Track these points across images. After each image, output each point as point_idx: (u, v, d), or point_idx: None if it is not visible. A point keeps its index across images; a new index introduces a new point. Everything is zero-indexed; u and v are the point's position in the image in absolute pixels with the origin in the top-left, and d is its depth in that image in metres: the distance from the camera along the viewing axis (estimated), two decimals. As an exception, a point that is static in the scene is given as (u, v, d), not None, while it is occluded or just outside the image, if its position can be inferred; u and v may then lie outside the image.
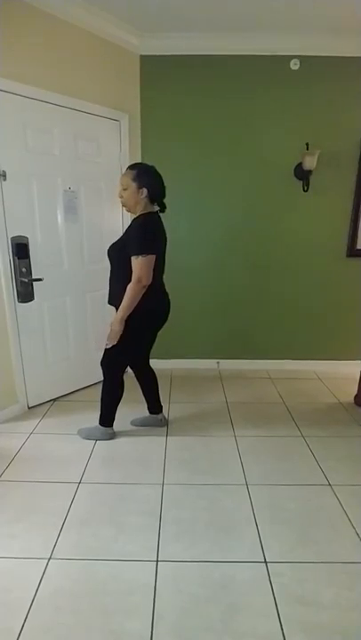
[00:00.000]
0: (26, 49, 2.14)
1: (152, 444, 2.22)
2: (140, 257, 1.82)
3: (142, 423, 2.39)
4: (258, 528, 1.62)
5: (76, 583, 1.37)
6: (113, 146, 2.71)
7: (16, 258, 2.29)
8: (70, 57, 2.35)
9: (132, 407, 2.39)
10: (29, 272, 2.37)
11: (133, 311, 1.90)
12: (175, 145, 2.87)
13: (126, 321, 1.92)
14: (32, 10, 2.12)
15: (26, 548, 1.51)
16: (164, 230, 1.99)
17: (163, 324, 2.13)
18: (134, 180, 1.89)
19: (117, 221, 2.84)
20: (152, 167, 1.95)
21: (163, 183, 1.94)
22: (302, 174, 2.88)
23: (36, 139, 2.29)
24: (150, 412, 2.39)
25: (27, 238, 2.34)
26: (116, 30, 2.50)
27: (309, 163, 2.77)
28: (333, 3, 2.23)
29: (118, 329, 1.92)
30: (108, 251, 2.01)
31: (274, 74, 2.76)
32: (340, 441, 2.27)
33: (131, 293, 1.86)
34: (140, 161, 2.86)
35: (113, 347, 1.99)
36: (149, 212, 1.93)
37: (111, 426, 2.24)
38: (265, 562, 1.46)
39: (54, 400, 2.72)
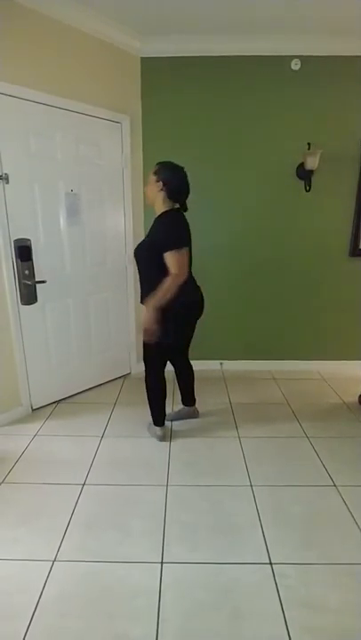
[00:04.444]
0: (27, 53, 2.15)
1: (156, 445, 2.21)
2: (175, 251, 1.87)
3: (177, 417, 2.47)
4: (263, 530, 1.61)
5: (81, 586, 1.37)
6: (114, 148, 2.72)
7: (19, 260, 2.30)
8: (71, 60, 2.36)
9: (132, 410, 2.39)
10: (32, 274, 2.37)
11: (171, 306, 1.94)
12: (176, 146, 2.86)
13: (166, 316, 1.96)
14: (33, 14, 2.13)
15: (30, 550, 1.51)
16: (188, 226, 2.02)
17: (199, 317, 2.17)
18: (155, 173, 1.97)
19: (120, 223, 2.84)
20: (178, 166, 1.98)
21: (186, 182, 1.97)
22: (304, 174, 2.87)
23: (37, 141, 2.29)
24: (184, 405, 2.47)
25: (29, 241, 2.34)
26: (117, 33, 2.50)
27: (311, 163, 2.76)
28: (334, 3, 2.22)
29: (151, 316, 1.93)
30: (135, 252, 2.06)
31: (275, 74, 2.75)
32: (344, 441, 2.26)
33: (167, 285, 1.89)
34: (141, 162, 2.87)
35: (156, 346, 2.04)
36: (171, 209, 1.97)
37: (161, 425, 2.25)
38: (270, 564, 1.45)
39: (58, 402, 2.73)
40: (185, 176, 1.97)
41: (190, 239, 2.03)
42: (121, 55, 2.62)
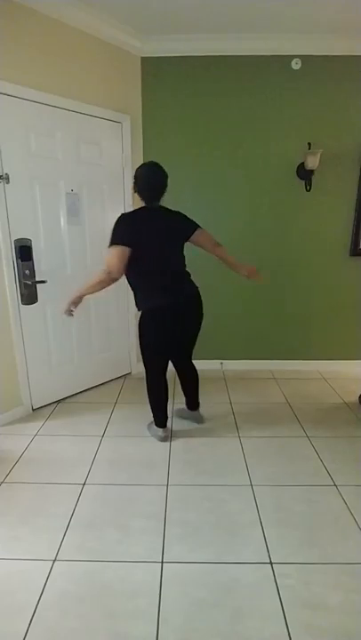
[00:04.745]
0: (28, 52, 2.15)
1: (156, 445, 2.21)
2: (110, 248, 1.88)
3: (179, 414, 2.49)
4: (263, 529, 1.61)
5: (81, 585, 1.37)
6: (115, 148, 2.72)
7: (19, 260, 2.30)
8: (72, 60, 2.36)
9: (133, 409, 2.39)
10: (33, 274, 2.38)
11: (143, 309, 2.03)
12: (177, 146, 2.87)
13: (144, 317, 2.03)
14: (34, 13, 2.13)
15: (31, 550, 1.51)
16: (160, 225, 1.97)
17: (180, 322, 2.08)
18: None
19: (120, 223, 2.85)
20: (147, 163, 2.01)
21: (148, 179, 1.94)
22: (305, 174, 2.87)
23: (38, 141, 2.29)
24: (188, 408, 2.45)
25: (30, 241, 2.35)
26: (118, 32, 2.50)
27: (312, 162, 2.76)
28: (334, 3, 2.22)
29: (72, 296, 1.99)
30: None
31: (275, 74, 2.75)
32: (345, 441, 2.26)
33: (94, 278, 1.92)
34: (141, 162, 2.86)
35: (144, 348, 2.08)
36: (140, 207, 2.00)
37: (162, 427, 2.24)
38: (270, 563, 1.45)
39: (58, 402, 2.73)
40: (150, 172, 1.94)
41: (163, 241, 1.97)
42: (121, 55, 2.62)
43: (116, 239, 1.88)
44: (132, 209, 2.84)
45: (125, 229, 1.90)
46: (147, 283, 1.99)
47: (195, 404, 2.43)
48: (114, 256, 1.86)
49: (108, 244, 1.90)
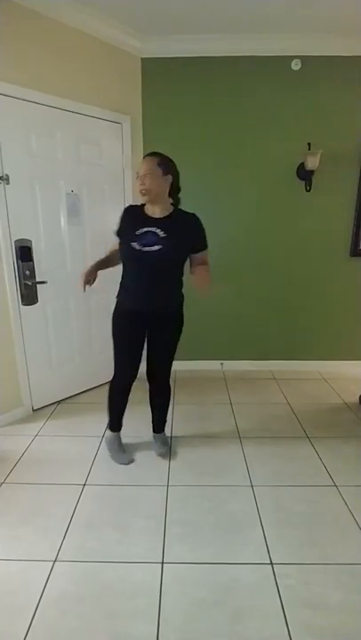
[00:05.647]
0: (28, 53, 2.15)
1: (156, 445, 2.21)
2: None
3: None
4: (263, 530, 1.61)
5: (82, 586, 1.37)
6: (115, 148, 2.72)
7: (20, 261, 2.30)
8: (72, 60, 2.36)
9: (133, 409, 2.37)
10: (33, 275, 2.38)
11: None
12: (176, 146, 2.83)
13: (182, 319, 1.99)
14: (33, 14, 2.13)
15: (31, 550, 1.51)
16: None
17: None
18: (160, 165, 1.75)
19: (120, 223, 2.85)
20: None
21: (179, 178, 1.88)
22: (305, 174, 2.87)
23: (38, 142, 2.30)
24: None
25: (30, 241, 2.35)
26: (118, 33, 2.51)
27: (312, 163, 2.76)
28: (334, 3, 2.22)
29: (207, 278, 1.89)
30: (170, 254, 1.78)
31: (275, 74, 2.76)
32: (345, 441, 2.26)
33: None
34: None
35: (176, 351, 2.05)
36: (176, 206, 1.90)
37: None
38: (271, 564, 1.45)
39: (59, 402, 2.73)
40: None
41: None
42: (121, 55, 2.62)
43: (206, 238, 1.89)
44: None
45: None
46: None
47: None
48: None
49: (206, 245, 1.93)
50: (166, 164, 1.80)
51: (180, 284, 1.93)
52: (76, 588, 1.36)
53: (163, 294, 1.88)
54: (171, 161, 1.84)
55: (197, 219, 1.88)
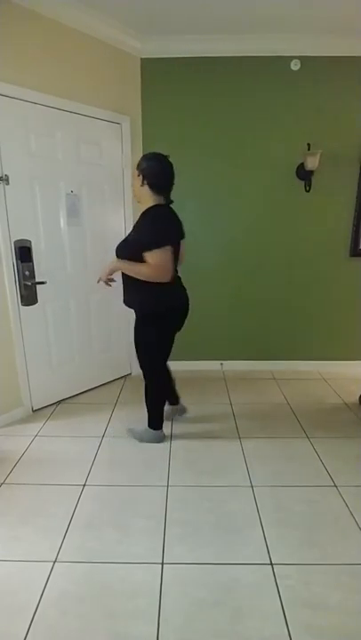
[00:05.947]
0: (27, 53, 2.15)
1: (156, 445, 2.21)
2: (156, 250, 1.75)
3: (168, 417, 2.40)
4: (263, 530, 1.61)
5: (82, 586, 1.37)
6: (115, 149, 2.72)
7: (19, 261, 2.30)
8: (72, 61, 2.36)
9: (133, 410, 2.39)
10: (33, 275, 2.38)
11: (157, 310, 1.91)
12: (176, 147, 2.85)
13: (150, 322, 1.94)
14: (33, 14, 2.13)
15: (31, 550, 1.51)
16: (179, 222, 1.94)
17: (184, 320, 2.08)
18: (137, 167, 1.85)
19: (120, 223, 2.85)
20: (158, 154, 1.85)
21: (166, 171, 1.84)
22: (304, 175, 2.87)
23: (38, 142, 2.30)
24: (170, 404, 2.42)
25: (30, 242, 2.35)
26: (117, 33, 2.51)
27: (311, 163, 2.76)
28: (334, 3, 2.23)
29: (113, 266, 1.90)
30: (117, 251, 1.91)
31: (275, 74, 2.76)
32: (345, 441, 2.26)
33: (143, 270, 1.79)
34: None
35: (146, 352, 2.03)
36: (157, 205, 1.85)
37: (160, 428, 2.22)
38: (271, 564, 1.45)
39: (59, 402, 2.73)
40: (166, 164, 1.83)
41: (180, 237, 1.95)
42: (121, 56, 2.62)
43: (165, 240, 1.76)
44: (131, 210, 2.85)
45: (169, 228, 1.83)
46: (165, 284, 1.85)
47: (177, 397, 2.47)
48: (167, 260, 1.76)
49: (146, 247, 1.76)
50: (139, 164, 1.83)
51: (144, 283, 1.85)
52: (76, 588, 1.36)
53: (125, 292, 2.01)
54: (146, 159, 1.85)
55: (142, 214, 1.84)
